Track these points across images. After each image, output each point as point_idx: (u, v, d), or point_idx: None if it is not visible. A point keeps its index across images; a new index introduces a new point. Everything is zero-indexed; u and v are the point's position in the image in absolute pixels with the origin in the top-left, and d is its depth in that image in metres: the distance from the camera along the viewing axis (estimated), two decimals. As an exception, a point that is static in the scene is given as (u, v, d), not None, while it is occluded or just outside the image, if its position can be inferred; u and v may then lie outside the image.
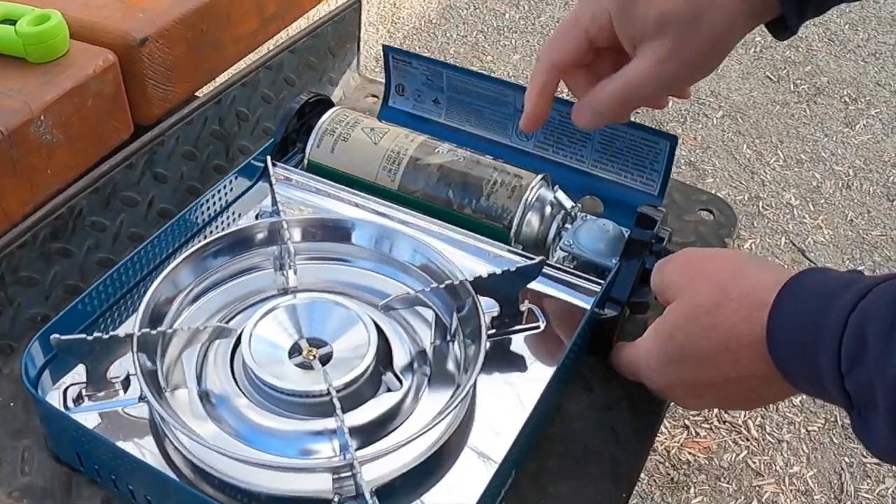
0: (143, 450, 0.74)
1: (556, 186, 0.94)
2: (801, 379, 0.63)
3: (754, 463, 1.88)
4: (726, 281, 0.70)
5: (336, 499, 0.68)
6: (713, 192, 2.49)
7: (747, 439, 1.92)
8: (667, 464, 1.89)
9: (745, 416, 1.96)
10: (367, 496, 0.64)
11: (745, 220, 2.45)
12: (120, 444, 0.72)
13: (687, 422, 1.96)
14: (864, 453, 1.90)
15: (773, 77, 3.03)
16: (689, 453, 1.90)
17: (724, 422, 1.96)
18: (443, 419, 0.71)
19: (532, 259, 0.83)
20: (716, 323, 0.69)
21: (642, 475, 1.88)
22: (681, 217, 1.06)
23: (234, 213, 0.97)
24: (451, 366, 0.81)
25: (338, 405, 0.70)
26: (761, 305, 0.65)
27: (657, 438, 1.94)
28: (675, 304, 0.74)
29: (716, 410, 1.98)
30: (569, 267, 0.90)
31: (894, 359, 0.53)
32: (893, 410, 0.54)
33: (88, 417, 0.75)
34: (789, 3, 0.68)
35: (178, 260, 0.82)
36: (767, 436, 1.93)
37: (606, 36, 0.73)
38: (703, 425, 1.95)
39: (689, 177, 2.58)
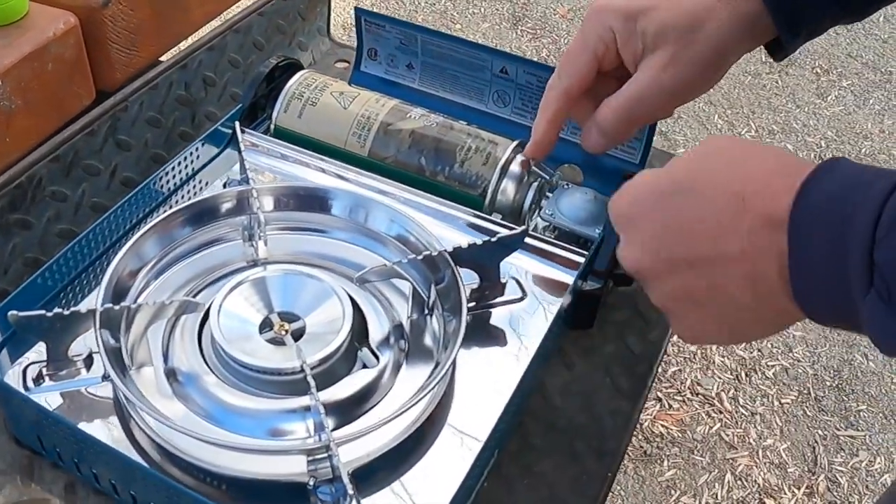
0: (108, 432, 0.70)
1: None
2: (818, 255, 0.51)
3: (727, 436, 1.87)
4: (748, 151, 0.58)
5: (311, 482, 0.65)
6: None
7: (720, 412, 1.91)
8: (639, 436, 1.88)
9: (718, 388, 1.95)
10: (345, 479, 0.61)
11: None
12: (82, 425, 0.69)
13: (660, 394, 1.95)
14: (838, 426, 1.90)
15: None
16: (662, 426, 1.89)
17: (697, 394, 1.94)
18: (422, 397, 0.68)
19: (513, 229, 0.80)
20: (731, 162, 0.56)
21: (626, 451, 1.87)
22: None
23: (201, 182, 0.93)
24: (429, 340, 0.78)
25: (312, 383, 0.67)
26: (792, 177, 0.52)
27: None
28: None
29: (688, 382, 1.97)
30: (550, 237, 0.87)
31: None
32: None
33: (50, 398, 0.72)
34: (782, 25, 0.68)
35: (142, 231, 0.78)
36: (741, 408, 1.92)
37: (612, 57, 0.74)
38: (675, 397, 1.94)
39: (661, 146, 2.55)
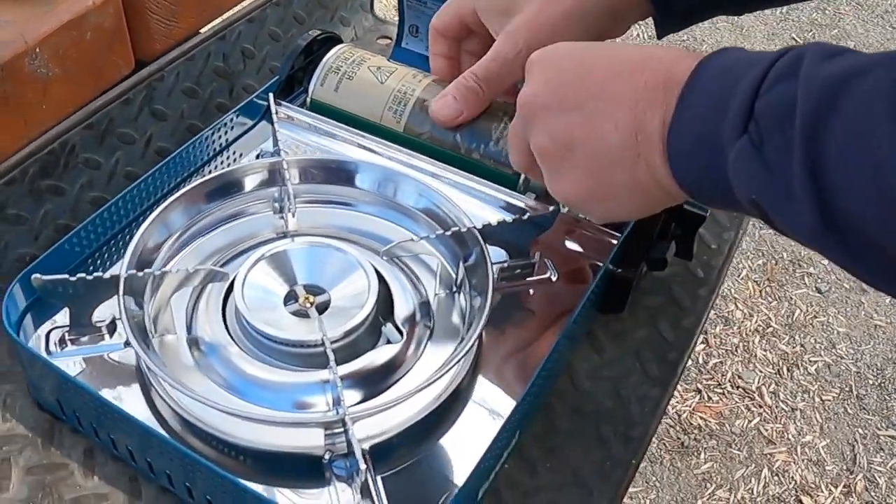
0: (128, 398, 0.70)
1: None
2: (700, 111, 0.53)
3: (766, 431, 1.84)
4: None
5: (327, 456, 0.64)
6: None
7: (760, 406, 1.88)
8: (677, 427, 1.86)
9: (758, 382, 1.92)
10: (358, 454, 0.60)
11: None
12: (103, 391, 0.69)
13: (699, 385, 1.92)
14: (879, 425, 1.86)
15: (798, 39, 2.96)
16: (701, 418, 1.87)
17: (738, 387, 1.92)
18: (444, 374, 0.67)
19: (546, 207, 0.78)
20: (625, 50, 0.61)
21: (653, 439, 1.85)
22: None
23: (234, 153, 0.93)
24: (455, 318, 0.77)
25: (332, 356, 0.66)
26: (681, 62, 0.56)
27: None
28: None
29: (729, 375, 1.94)
30: (583, 218, 0.85)
31: (831, 66, 0.47)
32: (814, 113, 0.46)
33: (72, 363, 0.72)
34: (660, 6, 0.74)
35: (170, 200, 0.78)
36: (781, 403, 1.89)
37: (474, 21, 0.82)
38: (715, 390, 1.92)
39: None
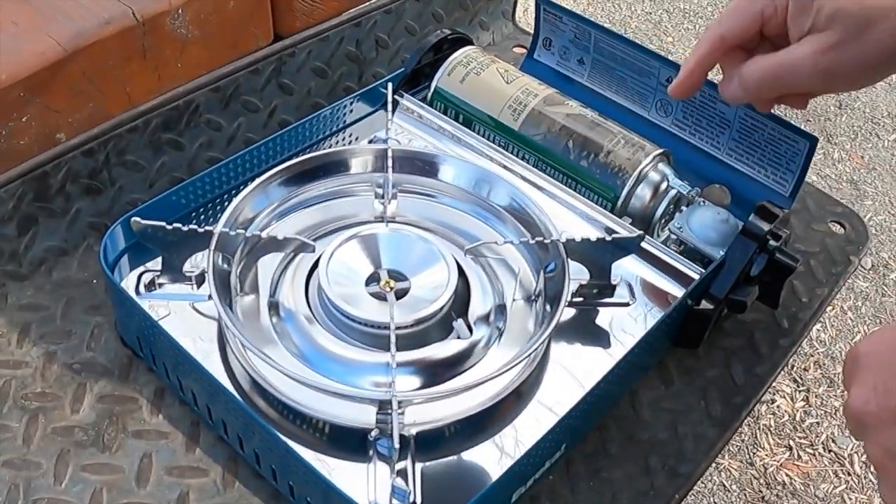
0: (203, 347, 0.74)
1: (670, 168, 0.90)
2: None
3: (850, 500, 1.79)
4: None
5: (374, 433, 0.66)
6: (869, 215, 2.38)
7: (849, 473, 1.83)
8: (761, 480, 1.82)
9: (851, 449, 1.87)
10: (395, 436, 0.62)
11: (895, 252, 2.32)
12: (181, 338, 0.72)
13: (792, 442, 1.88)
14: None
15: None
16: (787, 475, 1.82)
17: (829, 451, 1.87)
18: (498, 376, 0.68)
19: (632, 232, 0.79)
20: None
21: (734, 486, 1.82)
22: (809, 225, 0.99)
23: (350, 135, 0.96)
24: (528, 325, 0.78)
25: (393, 340, 0.68)
26: None
27: (757, 453, 1.87)
28: None
29: (823, 437, 1.90)
30: (673, 249, 0.85)
31: None
32: None
33: (158, 307, 0.76)
34: None
35: (276, 170, 0.81)
36: (870, 474, 1.83)
37: (778, 22, 0.72)
38: (807, 449, 1.87)
39: (849, 195, 2.46)
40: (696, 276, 0.82)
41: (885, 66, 0.69)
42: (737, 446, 1.87)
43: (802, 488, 1.80)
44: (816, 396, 1.99)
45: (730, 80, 0.75)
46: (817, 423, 1.93)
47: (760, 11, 0.73)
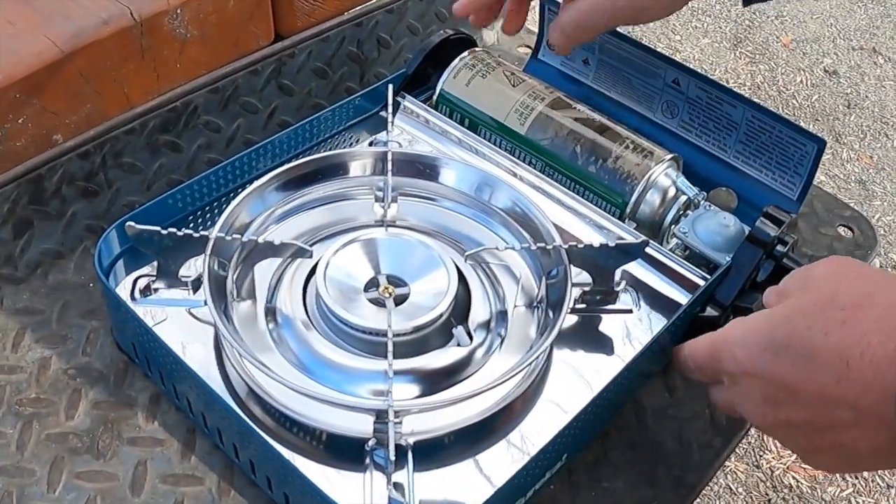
0: (198, 354, 0.73)
1: (679, 173, 0.88)
2: None
3: (857, 503, 1.77)
4: (877, 286, 0.58)
5: (371, 443, 0.65)
6: (878, 216, 2.37)
7: (856, 477, 1.81)
8: (768, 483, 1.81)
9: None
10: (391, 446, 0.61)
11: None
12: (175, 344, 0.71)
13: (798, 446, 1.87)
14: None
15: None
16: (794, 478, 1.81)
17: (837, 454, 1.86)
18: (499, 385, 0.67)
19: (637, 237, 0.78)
20: (846, 320, 0.55)
21: (740, 489, 1.81)
22: (817, 228, 0.98)
23: (350, 137, 0.94)
24: (530, 332, 0.77)
25: (390, 348, 0.67)
26: None
27: (763, 455, 1.85)
28: (807, 292, 0.61)
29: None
30: (679, 255, 0.84)
31: None
32: None
33: (154, 312, 0.75)
34: None
35: (274, 174, 0.80)
36: (877, 478, 1.82)
37: None
38: (814, 453, 1.86)
39: (857, 195, 2.44)
40: (702, 283, 0.80)
41: None
42: (743, 449, 1.86)
43: (809, 491, 1.79)
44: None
45: (554, 28, 0.82)
46: (824, 425, 1.92)
47: None
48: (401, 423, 0.65)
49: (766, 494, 1.78)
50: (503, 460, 0.69)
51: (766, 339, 0.59)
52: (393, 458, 0.60)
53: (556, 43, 0.83)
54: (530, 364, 0.70)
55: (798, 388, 0.57)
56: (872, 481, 1.81)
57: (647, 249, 0.79)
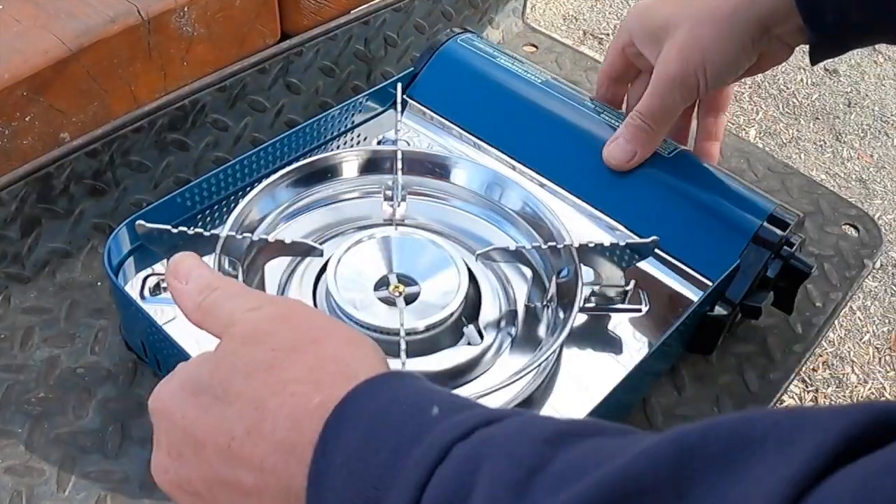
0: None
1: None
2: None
3: None
4: (302, 333, 0.49)
5: (382, 441, 0.65)
6: (878, 214, 2.37)
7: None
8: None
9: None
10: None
11: (905, 250, 2.31)
12: (186, 343, 0.71)
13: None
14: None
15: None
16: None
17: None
18: (510, 384, 0.67)
19: (646, 237, 0.78)
20: (274, 364, 0.46)
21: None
22: (823, 227, 0.98)
23: (358, 136, 0.94)
24: (541, 331, 0.77)
25: (403, 347, 0.67)
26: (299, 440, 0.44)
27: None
28: (249, 331, 0.49)
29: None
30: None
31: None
32: None
33: (163, 310, 0.74)
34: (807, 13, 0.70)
35: (282, 172, 0.80)
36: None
37: (633, 52, 0.82)
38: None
39: (857, 194, 2.45)
40: (709, 283, 0.80)
41: (737, 46, 0.74)
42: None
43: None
44: (825, 397, 1.98)
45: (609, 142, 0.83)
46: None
47: (620, 47, 0.83)
48: (413, 422, 0.65)
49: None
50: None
51: (191, 374, 0.49)
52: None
53: (615, 157, 0.84)
54: (542, 363, 0.70)
55: (205, 439, 0.46)
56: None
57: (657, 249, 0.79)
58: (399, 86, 0.92)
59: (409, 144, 0.89)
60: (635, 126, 0.80)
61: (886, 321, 2.14)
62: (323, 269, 0.77)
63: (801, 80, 2.82)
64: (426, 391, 0.44)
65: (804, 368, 1.98)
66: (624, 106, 0.89)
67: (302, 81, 1.00)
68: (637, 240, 0.77)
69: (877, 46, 2.96)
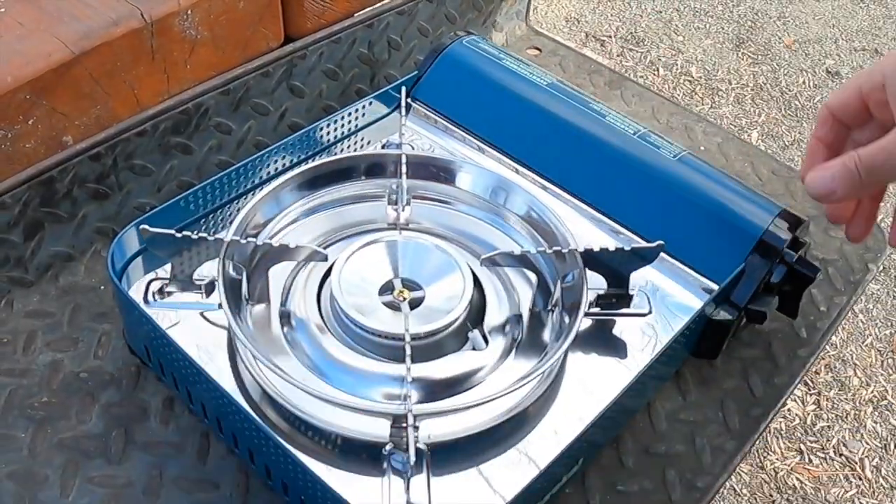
0: (212, 357, 0.72)
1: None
2: None
3: (862, 504, 1.77)
4: None
5: (388, 447, 0.65)
6: (881, 217, 2.36)
7: (860, 478, 1.81)
8: (772, 484, 1.80)
9: (863, 453, 1.85)
10: (411, 451, 0.60)
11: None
12: (189, 347, 0.70)
13: (803, 447, 1.86)
14: None
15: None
16: (798, 479, 1.81)
17: (841, 455, 1.85)
18: (516, 389, 0.67)
19: (651, 241, 0.77)
20: None
21: (744, 490, 1.80)
22: (827, 231, 0.98)
23: (363, 140, 0.94)
24: (545, 336, 0.76)
25: (408, 352, 0.67)
26: None
27: (767, 457, 1.85)
28: None
29: (834, 441, 1.88)
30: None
31: None
32: None
33: (167, 315, 0.74)
34: None
35: (287, 176, 0.80)
36: (882, 479, 1.81)
37: (879, 99, 0.70)
38: (818, 453, 1.85)
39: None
40: (715, 286, 0.80)
41: None
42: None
43: (813, 493, 1.79)
44: (827, 400, 1.98)
45: (817, 171, 0.72)
46: (828, 426, 1.91)
47: (859, 86, 0.71)
48: (418, 427, 0.65)
49: (771, 496, 1.78)
50: (520, 465, 0.68)
51: None
52: (413, 462, 0.60)
53: (818, 188, 0.72)
54: (547, 368, 0.70)
55: None
56: (877, 482, 1.80)
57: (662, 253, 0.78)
58: (403, 89, 0.91)
59: (413, 148, 0.89)
60: (849, 171, 0.71)
61: (889, 324, 2.13)
62: (327, 273, 0.77)
63: (804, 82, 2.82)
64: None
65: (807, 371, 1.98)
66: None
67: (305, 85, 0.99)
68: (642, 244, 0.76)
69: (877, 49, 2.96)
